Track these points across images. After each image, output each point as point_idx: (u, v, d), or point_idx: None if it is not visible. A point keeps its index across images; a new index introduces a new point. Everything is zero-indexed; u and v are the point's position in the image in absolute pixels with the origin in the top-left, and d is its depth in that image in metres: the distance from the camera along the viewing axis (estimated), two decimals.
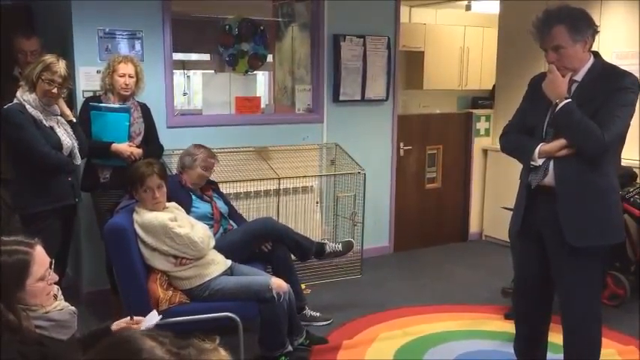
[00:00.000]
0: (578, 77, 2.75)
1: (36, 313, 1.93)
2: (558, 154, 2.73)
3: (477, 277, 5.11)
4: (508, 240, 3.97)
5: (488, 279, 4.97)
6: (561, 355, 2.98)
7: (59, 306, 2.05)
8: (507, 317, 4.04)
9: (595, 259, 2.80)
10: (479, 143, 6.15)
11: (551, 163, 2.76)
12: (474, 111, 6.35)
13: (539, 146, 2.77)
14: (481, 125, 6.16)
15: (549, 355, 3.13)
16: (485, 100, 7.42)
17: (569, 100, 2.69)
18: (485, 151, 6.16)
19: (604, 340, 2.95)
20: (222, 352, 1.18)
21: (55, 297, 2.07)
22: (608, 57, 4.65)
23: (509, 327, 3.33)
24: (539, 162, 2.77)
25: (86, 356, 1.65)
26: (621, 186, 4.10)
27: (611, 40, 4.87)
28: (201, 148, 4.01)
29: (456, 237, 6.20)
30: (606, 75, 2.73)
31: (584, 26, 2.69)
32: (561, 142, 2.72)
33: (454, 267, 5.41)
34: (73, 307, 2.12)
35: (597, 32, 2.74)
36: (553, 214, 2.75)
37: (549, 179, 2.77)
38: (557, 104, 2.71)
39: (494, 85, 6.48)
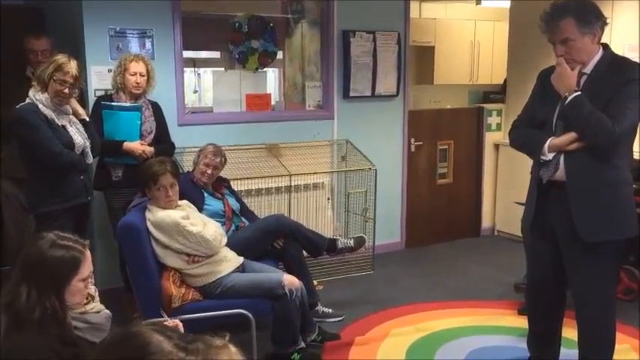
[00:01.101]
0: (588, 70, 2.73)
1: (74, 313, 1.96)
2: (569, 147, 2.71)
3: (490, 273, 5.09)
4: (520, 235, 3.95)
5: (500, 274, 4.95)
6: (575, 350, 2.96)
7: (95, 308, 2.08)
8: (520, 313, 4.02)
9: (609, 254, 2.77)
10: (490, 138, 6.13)
11: (562, 158, 2.74)
12: (485, 105, 6.32)
13: (549, 140, 2.74)
14: (492, 120, 6.13)
15: (563, 350, 3.12)
16: (496, 94, 7.38)
17: (579, 92, 2.66)
18: (496, 146, 6.13)
19: (618, 335, 2.94)
20: (232, 349, 1.18)
21: (92, 298, 2.10)
22: (620, 50, 4.62)
23: (523, 322, 3.31)
24: (550, 156, 2.75)
25: (95, 351, 1.67)
26: (636, 179, 4.07)
27: (623, 33, 4.82)
28: (210, 145, 4.02)
29: (468, 232, 6.17)
30: (616, 67, 2.70)
31: (592, 18, 2.66)
32: (571, 135, 2.70)
33: (466, 263, 5.39)
34: (108, 311, 2.15)
35: (606, 24, 2.71)
36: (565, 209, 2.72)
37: (560, 174, 2.75)
38: (566, 97, 2.68)
39: (505, 80, 6.44)
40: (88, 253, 1.99)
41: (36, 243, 1.93)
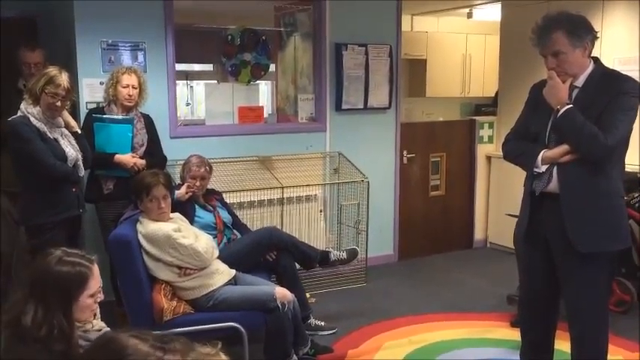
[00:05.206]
0: (579, 83, 2.75)
1: (79, 331, 1.95)
2: (562, 159, 2.72)
3: (483, 285, 5.09)
4: (513, 247, 3.96)
5: (493, 286, 4.95)
6: None
7: (97, 326, 2.07)
8: (513, 325, 4.02)
9: (602, 265, 2.77)
10: (482, 150, 6.15)
11: (555, 170, 2.75)
12: (477, 118, 6.36)
13: (542, 153, 2.76)
14: (484, 132, 6.17)
15: None
16: (488, 107, 7.43)
17: (571, 105, 2.69)
18: (488, 158, 6.15)
19: (611, 347, 2.93)
20: (223, 357, 1.19)
21: (95, 316, 2.09)
22: (610, 63, 4.65)
23: (516, 334, 3.31)
24: (543, 168, 2.76)
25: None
26: (626, 191, 4.09)
27: (613, 46, 4.87)
28: (193, 157, 4.03)
29: (461, 244, 6.18)
30: (607, 80, 2.72)
31: (583, 32, 2.69)
32: (564, 147, 2.71)
33: (459, 274, 5.39)
34: (109, 329, 2.14)
35: (597, 38, 2.74)
36: (559, 220, 2.73)
37: (553, 186, 2.76)
38: (558, 110, 2.71)
39: (496, 92, 6.49)
40: (95, 268, 2.00)
41: (44, 260, 1.93)
